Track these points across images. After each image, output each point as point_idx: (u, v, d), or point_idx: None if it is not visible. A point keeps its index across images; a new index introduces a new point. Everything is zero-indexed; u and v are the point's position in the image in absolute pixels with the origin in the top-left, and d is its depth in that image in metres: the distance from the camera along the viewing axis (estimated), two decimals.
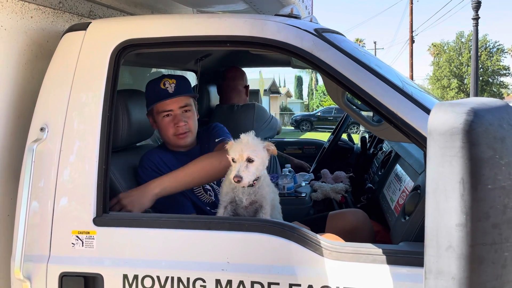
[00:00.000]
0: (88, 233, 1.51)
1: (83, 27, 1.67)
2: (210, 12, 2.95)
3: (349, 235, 1.71)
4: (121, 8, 2.35)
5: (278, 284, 1.38)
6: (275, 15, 1.74)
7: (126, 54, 1.64)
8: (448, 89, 42.04)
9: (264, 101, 25.62)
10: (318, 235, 1.43)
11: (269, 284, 1.39)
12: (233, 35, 1.59)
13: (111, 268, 1.48)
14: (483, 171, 0.80)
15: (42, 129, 1.58)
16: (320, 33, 1.57)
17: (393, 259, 1.34)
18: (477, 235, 0.79)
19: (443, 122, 0.83)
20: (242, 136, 1.67)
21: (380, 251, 1.36)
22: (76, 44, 1.64)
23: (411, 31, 28.99)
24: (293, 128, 26.58)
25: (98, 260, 1.49)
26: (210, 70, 3.39)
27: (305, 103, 51.17)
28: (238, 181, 1.59)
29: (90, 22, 1.68)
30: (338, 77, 1.48)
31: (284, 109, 39.40)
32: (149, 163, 1.96)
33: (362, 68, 1.48)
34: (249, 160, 1.61)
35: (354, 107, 2.36)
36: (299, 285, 1.37)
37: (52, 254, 1.52)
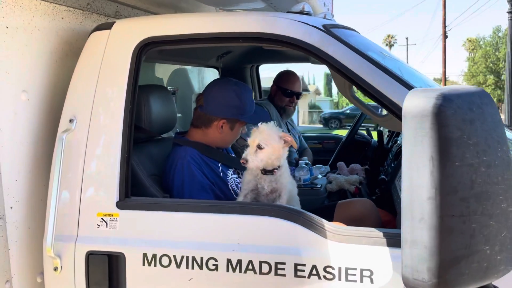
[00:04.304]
0: (112, 215, 1.64)
1: (108, 26, 1.80)
2: (231, 11, 3.06)
3: (356, 223, 1.76)
4: (145, 8, 2.49)
5: (284, 263, 1.48)
6: (287, 12, 1.83)
7: (147, 51, 1.76)
8: (484, 85, 40.72)
9: None
10: (323, 219, 1.52)
11: (276, 263, 1.48)
12: (245, 32, 1.69)
13: (132, 248, 1.60)
14: (451, 150, 0.87)
15: (71, 121, 1.72)
16: (328, 29, 1.66)
17: (392, 242, 1.40)
18: (446, 208, 0.87)
19: (415, 106, 0.91)
20: (260, 124, 1.80)
21: (381, 234, 1.44)
22: (102, 42, 1.77)
23: (444, 26, 28.32)
24: (321, 126, 26.48)
25: (121, 240, 1.62)
26: (231, 67, 3.50)
27: (334, 100, 50.70)
28: (243, 163, 1.74)
29: (115, 22, 1.82)
30: (344, 70, 1.56)
31: (313, 107, 39.24)
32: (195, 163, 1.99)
33: (366, 61, 1.55)
34: (259, 147, 1.73)
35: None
36: (304, 264, 1.46)
37: (80, 235, 1.65)
